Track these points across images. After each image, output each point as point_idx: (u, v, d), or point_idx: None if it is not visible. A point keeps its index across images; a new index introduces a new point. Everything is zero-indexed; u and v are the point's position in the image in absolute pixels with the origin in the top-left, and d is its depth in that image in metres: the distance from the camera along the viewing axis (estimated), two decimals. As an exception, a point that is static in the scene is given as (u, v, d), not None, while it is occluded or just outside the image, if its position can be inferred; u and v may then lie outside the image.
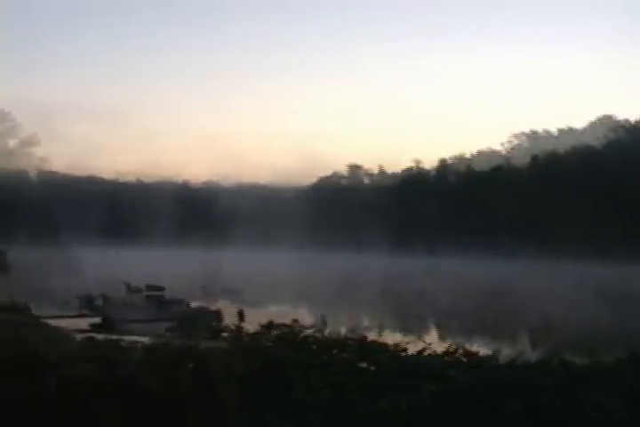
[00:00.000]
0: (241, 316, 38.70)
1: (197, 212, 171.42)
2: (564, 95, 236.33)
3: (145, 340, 8.55)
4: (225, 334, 9.12)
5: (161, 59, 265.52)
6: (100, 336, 9.00)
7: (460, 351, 7.54)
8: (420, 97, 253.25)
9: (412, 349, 7.75)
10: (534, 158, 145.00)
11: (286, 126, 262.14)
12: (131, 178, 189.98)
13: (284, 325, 8.50)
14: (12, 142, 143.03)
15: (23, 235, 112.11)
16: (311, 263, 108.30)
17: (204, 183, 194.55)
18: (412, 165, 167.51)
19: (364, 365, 7.27)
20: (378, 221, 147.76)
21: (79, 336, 10.25)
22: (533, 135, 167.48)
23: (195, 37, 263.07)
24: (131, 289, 53.07)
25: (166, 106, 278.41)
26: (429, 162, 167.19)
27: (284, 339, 7.79)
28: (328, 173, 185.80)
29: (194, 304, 45.76)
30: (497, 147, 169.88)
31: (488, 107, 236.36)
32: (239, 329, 8.75)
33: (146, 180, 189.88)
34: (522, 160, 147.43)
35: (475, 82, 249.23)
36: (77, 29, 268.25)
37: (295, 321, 7.81)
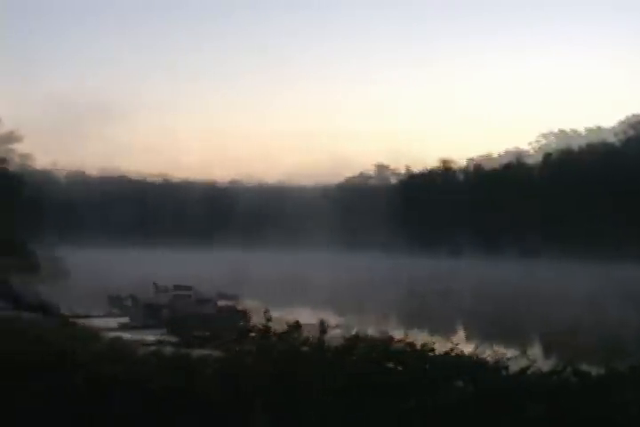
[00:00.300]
0: (267, 315, 38.83)
1: (222, 212, 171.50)
2: (593, 94, 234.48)
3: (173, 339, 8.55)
4: (253, 334, 9.14)
5: (186, 57, 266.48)
6: (127, 335, 8.98)
7: (489, 353, 7.45)
8: (448, 96, 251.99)
9: (439, 350, 7.72)
10: (546, 157, 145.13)
11: (313, 126, 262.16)
12: (157, 178, 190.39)
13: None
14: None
15: (51, 235, 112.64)
16: (334, 264, 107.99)
17: (230, 183, 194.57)
18: (439, 165, 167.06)
19: (390, 365, 7.30)
20: (404, 221, 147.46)
21: (107, 335, 10.22)
22: (561, 135, 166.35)
23: (221, 36, 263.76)
24: (159, 289, 53.35)
25: (190, 105, 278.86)
26: (457, 162, 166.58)
27: (313, 340, 7.79)
28: (355, 172, 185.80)
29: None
30: (525, 146, 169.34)
31: (517, 106, 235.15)
32: (267, 329, 8.74)
33: (173, 180, 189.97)
34: (550, 159, 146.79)
35: (504, 81, 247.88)
36: (103, 28, 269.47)
37: (322, 322, 7.82)
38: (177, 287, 52.13)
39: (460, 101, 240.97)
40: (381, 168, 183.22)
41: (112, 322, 36.45)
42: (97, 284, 56.15)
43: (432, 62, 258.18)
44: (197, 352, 8.13)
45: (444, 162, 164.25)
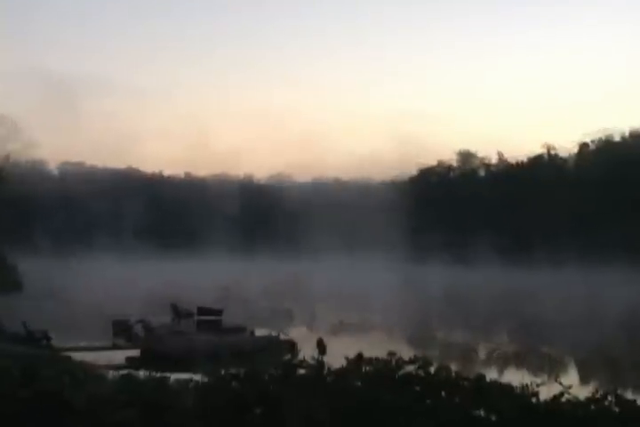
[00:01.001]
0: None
1: (259, 213, 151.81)
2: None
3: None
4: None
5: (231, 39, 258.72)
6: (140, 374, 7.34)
7: (611, 399, 5.75)
8: (501, 92, 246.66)
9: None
10: (583, 146, 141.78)
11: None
12: (177, 171, 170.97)
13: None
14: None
15: (40, 240, 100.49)
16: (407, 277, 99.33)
17: (270, 178, 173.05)
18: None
19: (480, 412, 5.86)
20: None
21: (111, 373, 8.58)
22: (605, 133, 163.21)
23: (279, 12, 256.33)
24: (178, 313, 49.17)
25: (234, 84, 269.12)
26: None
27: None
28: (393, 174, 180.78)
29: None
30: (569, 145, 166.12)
31: (565, 104, 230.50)
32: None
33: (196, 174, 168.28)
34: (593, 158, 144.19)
35: (555, 79, 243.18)
36: (101, 14, 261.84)
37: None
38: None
39: (511, 97, 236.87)
40: (466, 156, 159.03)
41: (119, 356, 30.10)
42: (99, 302, 49.25)
43: (485, 57, 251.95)
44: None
45: (483, 160, 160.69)
